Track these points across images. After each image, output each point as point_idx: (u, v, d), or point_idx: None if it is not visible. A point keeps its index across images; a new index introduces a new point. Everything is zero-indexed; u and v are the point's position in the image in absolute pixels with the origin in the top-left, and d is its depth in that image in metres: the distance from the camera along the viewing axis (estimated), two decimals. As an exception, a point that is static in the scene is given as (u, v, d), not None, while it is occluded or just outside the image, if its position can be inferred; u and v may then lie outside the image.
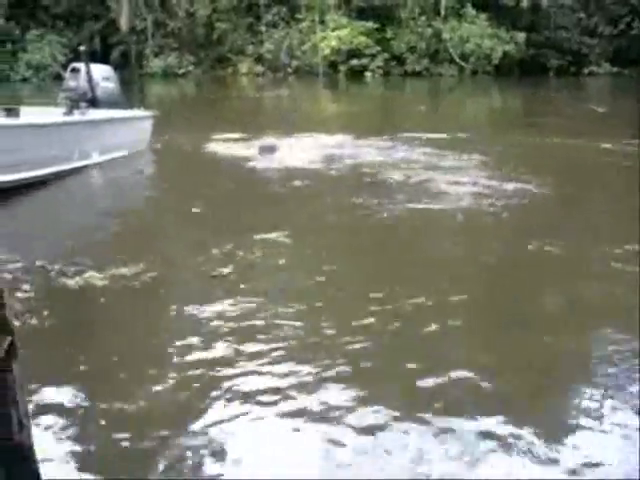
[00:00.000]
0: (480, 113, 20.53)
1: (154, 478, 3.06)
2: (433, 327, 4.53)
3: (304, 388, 3.74)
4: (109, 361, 4.11)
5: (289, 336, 4.40)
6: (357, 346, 4.24)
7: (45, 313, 4.74)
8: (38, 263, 5.76)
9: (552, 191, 8.64)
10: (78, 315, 4.91)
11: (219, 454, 3.17)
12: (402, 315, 4.69)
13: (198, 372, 3.94)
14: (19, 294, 4.98)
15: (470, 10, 32.31)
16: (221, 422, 3.43)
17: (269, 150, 11.19)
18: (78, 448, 3.23)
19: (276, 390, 3.73)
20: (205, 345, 4.30)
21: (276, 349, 4.20)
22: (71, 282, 5.30)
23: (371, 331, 4.47)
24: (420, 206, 8.02)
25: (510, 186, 8.78)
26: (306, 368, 3.96)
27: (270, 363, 4.04)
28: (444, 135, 13.41)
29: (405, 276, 5.69)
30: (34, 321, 4.58)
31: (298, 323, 4.61)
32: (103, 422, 3.44)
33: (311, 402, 3.60)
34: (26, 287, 5.18)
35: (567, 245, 6.36)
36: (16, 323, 4.31)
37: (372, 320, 4.63)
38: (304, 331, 4.49)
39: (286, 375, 3.90)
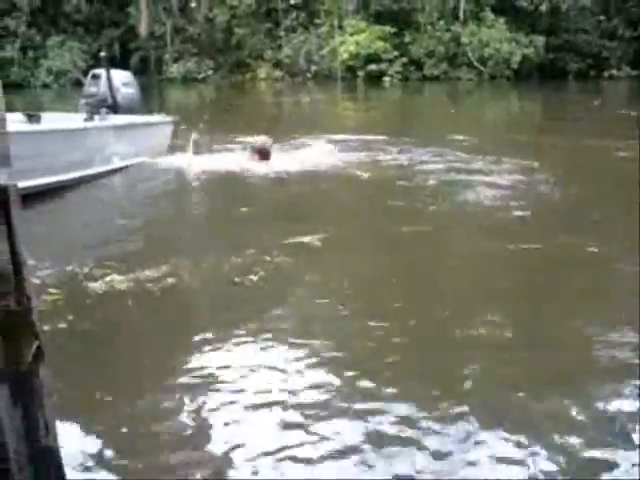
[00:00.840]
0: (502, 116, 20.43)
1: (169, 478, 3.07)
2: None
3: (329, 403, 3.67)
4: (128, 366, 4.13)
5: (311, 345, 4.35)
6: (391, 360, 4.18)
7: (70, 317, 4.77)
8: (65, 267, 5.79)
9: (587, 192, 8.60)
10: (102, 319, 4.91)
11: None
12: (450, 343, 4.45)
13: (215, 377, 3.94)
14: (47, 297, 5.02)
15: (489, 14, 32.25)
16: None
17: (262, 153, 11.10)
18: (100, 449, 3.25)
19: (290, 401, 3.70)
20: (220, 350, 4.29)
21: (293, 359, 4.16)
22: (96, 286, 5.32)
23: (395, 341, 4.41)
24: (454, 209, 8.01)
25: (543, 187, 8.76)
26: (331, 380, 3.90)
27: (288, 372, 4.01)
28: (470, 138, 13.36)
29: (448, 290, 5.55)
30: (61, 325, 4.60)
31: (324, 333, 4.55)
32: (125, 430, 3.45)
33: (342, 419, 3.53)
34: (53, 291, 5.21)
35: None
36: (44, 327, 4.38)
37: (398, 331, 4.60)
38: (328, 340, 4.43)
39: (308, 387, 3.87)
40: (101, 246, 6.77)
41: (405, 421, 3.40)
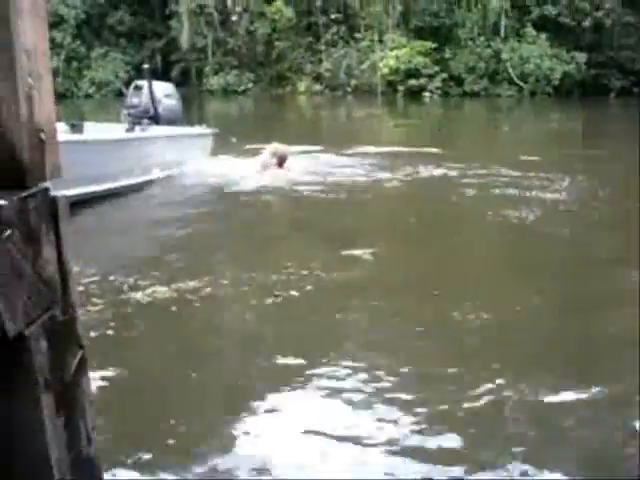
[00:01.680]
0: (547, 133, 20.16)
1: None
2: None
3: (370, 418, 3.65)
4: (170, 376, 4.15)
5: (349, 361, 4.32)
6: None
7: (113, 326, 4.81)
8: (108, 277, 5.85)
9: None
10: (143, 330, 4.94)
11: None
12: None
13: (254, 387, 3.95)
14: (90, 308, 5.07)
15: (530, 30, 32.05)
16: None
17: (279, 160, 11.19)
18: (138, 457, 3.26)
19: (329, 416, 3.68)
20: (258, 362, 4.29)
21: (326, 376, 4.13)
22: (139, 296, 5.36)
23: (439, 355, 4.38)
24: (500, 223, 7.94)
25: (593, 203, 8.65)
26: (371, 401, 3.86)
27: (325, 389, 3.99)
28: (516, 154, 13.26)
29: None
30: (103, 334, 4.64)
31: (363, 352, 4.51)
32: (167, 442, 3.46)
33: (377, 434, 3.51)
34: (97, 300, 5.27)
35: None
36: (88, 335, 4.43)
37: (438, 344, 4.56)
38: (367, 360, 4.37)
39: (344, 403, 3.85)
40: (142, 256, 6.83)
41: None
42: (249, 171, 11.07)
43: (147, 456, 3.29)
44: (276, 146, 11.39)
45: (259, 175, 10.93)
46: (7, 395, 1.43)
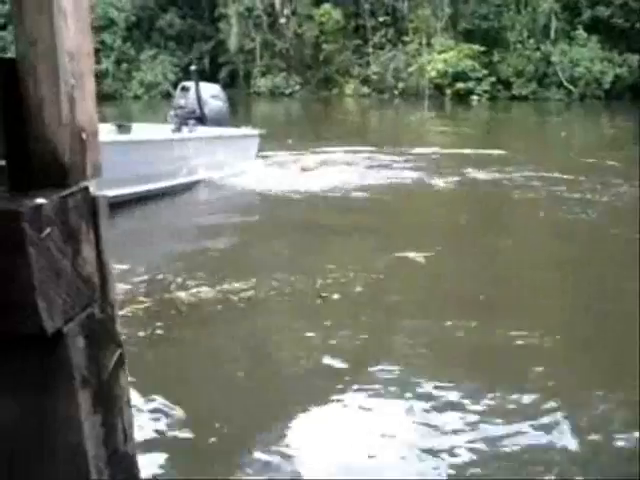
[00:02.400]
0: (600, 137, 19.82)
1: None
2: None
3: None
4: (208, 380, 4.16)
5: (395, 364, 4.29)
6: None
7: (159, 325, 4.85)
8: (154, 276, 5.90)
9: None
10: (187, 329, 4.96)
11: None
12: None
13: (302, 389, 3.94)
14: (136, 306, 5.12)
15: (581, 32, 31.60)
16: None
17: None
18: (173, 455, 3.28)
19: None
20: (304, 365, 4.28)
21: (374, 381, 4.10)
22: (184, 295, 5.39)
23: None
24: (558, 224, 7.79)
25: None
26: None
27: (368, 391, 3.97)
28: (573, 158, 13.07)
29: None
30: (149, 332, 4.68)
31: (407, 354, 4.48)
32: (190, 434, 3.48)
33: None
34: (143, 299, 5.32)
35: None
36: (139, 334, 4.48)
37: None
38: (416, 364, 4.34)
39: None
40: (187, 256, 6.87)
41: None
42: (293, 173, 11.11)
43: (186, 457, 3.31)
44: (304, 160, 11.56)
45: (302, 177, 10.98)
46: (45, 391, 1.45)
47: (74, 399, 1.46)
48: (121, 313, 4.99)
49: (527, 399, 3.83)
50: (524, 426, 3.54)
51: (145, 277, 5.87)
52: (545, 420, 3.57)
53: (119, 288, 5.48)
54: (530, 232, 8.06)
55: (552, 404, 3.76)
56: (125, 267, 5.97)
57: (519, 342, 4.60)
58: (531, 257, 7.05)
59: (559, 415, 3.62)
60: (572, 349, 4.63)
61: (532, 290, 5.91)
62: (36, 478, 1.52)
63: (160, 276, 5.92)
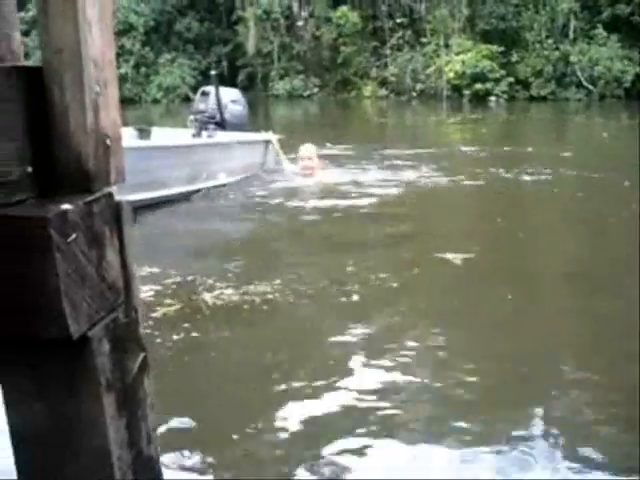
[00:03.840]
0: (623, 135, 19.65)
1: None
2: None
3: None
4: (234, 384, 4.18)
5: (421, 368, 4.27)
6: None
7: (185, 327, 4.87)
8: (180, 278, 5.93)
9: None
10: (213, 330, 4.96)
11: None
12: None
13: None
14: (163, 309, 5.15)
15: (601, 31, 31.40)
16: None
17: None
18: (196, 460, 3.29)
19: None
20: (335, 370, 4.27)
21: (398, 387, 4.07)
22: (209, 298, 5.41)
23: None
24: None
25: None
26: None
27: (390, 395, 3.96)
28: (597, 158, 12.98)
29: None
30: (175, 336, 4.70)
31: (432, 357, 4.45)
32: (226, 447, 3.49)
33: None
34: (169, 301, 5.35)
35: None
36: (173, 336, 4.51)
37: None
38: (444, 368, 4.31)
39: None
40: (210, 259, 6.89)
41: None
42: (313, 176, 11.12)
43: (210, 458, 3.32)
44: (305, 148, 11.51)
45: (314, 179, 11.01)
46: (70, 395, 1.47)
47: (99, 403, 1.48)
48: (153, 315, 5.06)
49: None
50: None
51: (169, 280, 5.90)
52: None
53: (147, 290, 5.55)
54: (569, 232, 7.97)
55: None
56: (153, 270, 6.04)
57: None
58: (569, 257, 6.92)
59: None
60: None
61: (574, 295, 5.79)
62: (61, 480, 1.54)
63: (183, 279, 5.95)
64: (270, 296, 5.49)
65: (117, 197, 1.58)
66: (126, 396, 1.57)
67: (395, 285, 5.82)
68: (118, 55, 32.14)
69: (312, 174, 11.25)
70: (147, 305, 5.22)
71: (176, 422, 3.54)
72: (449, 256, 6.53)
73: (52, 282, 1.36)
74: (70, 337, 1.39)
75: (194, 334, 4.78)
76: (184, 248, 7.50)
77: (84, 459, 1.51)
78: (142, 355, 1.63)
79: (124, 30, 34.03)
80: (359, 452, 3.33)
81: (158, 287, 5.69)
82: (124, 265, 1.58)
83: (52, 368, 1.47)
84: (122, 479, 1.56)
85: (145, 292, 5.49)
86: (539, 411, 3.68)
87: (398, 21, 35.03)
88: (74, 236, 1.40)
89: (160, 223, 8.34)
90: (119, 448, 1.54)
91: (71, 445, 1.50)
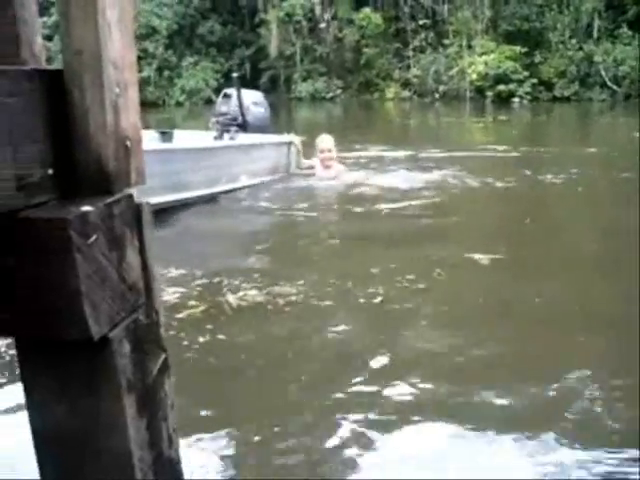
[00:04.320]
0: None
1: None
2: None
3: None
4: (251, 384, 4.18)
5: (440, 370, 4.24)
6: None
7: (210, 327, 4.89)
8: (204, 280, 5.95)
9: None
10: (237, 331, 4.96)
11: None
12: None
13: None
14: (188, 311, 5.17)
15: (626, 30, 31.16)
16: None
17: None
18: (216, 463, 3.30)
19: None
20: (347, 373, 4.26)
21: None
22: (234, 300, 5.42)
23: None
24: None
25: None
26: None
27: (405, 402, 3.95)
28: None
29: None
30: (200, 337, 4.72)
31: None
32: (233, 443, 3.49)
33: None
34: (194, 303, 5.37)
35: None
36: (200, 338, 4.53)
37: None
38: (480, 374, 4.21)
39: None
40: (234, 260, 6.88)
41: None
42: (336, 178, 11.13)
43: (229, 450, 3.33)
44: (321, 139, 11.51)
45: (333, 173, 11.04)
46: (91, 396, 1.48)
47: (120, 403, 1.49)
48: (178, 316, 5.08)
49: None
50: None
51: (194, 282, 5.92)
52: None
53: (173, 292, 5.58)
54: (598, 233, 7.89)
55: None
56: (182, 271, 6.09)
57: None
58: (601, 259, 6.82)
59: None
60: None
61: (603, 300, 5.71)
62: (83, 481, 1.55)
63: (207, 280, 5.96)
64: (294, 297, 5.49)
65: (138, 199, 1.59)
66: (147, 397, 1.57)
67: (421, 286, 5.78)
68: (141, 58, 32.48)
69: (330, 166, 11.26)
70: (173, 307, 5.26)
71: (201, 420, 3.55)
72: (477, 256, 6.50)
73: (73, 283, 1.37)
74: (91, 338, 1.40)
75: (219, 336, 4.79)
76: (209, 249, 7.51)
77: (105, 459, 1.52)
78: (163, 356, 1.64)
79: (147, 34, 34.25)
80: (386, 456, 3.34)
81: (184, 289, 5.71)
82: (145, 266, 1.59)
83: (73, 369, 1.48)
84: (143, 479, 1.57)
85: (171, 294, 5.53)
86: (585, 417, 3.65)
87: (420, 23, 34.98)
88: (94, 237, 1.41)
89: (184, 224, 8.37)
90: (140, 449, 1.55)
91: (92, 445, 1.51)
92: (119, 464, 1.52)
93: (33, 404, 1.52)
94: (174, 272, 6.12)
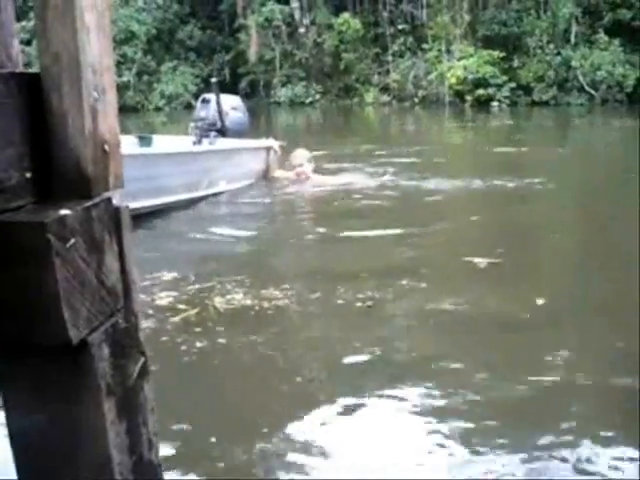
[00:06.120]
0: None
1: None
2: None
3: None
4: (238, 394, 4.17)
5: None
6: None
7: (198, 330, 4.88)
8: (188, 285, 5.94)
9: None
10: (222, 335, 4.94)
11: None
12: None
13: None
14: (178, 316, 5.16)
15: (602, 36, 31.44)
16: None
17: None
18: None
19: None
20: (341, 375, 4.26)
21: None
22: (222, 303, 5.41)
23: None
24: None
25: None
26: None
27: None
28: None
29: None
30: (189, 341, 4.71)
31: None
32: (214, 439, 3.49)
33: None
34: (182, 307, 5.36)
35: None
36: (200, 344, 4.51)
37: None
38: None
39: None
40: (216, 264, 6.88)
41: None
42: (316, 182, 11.14)
43: (220, 464, 3.33)
44: (296, 154, 11.51)
45: (310, 183, 11.06)
46: (70, 400, 1.47)
47: (99, 407, 1.49)
48: (173, 320, 5.08)
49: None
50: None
51: (177, 285, 5.92)
52: None
53: (164, 296, 5.57)
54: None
55: None
56: (178, 274, 6.09)
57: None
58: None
59: None
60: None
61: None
62: (62, 486, 1.54)
63: (191, 285, 5.95)
64: (280, 302, 5.48)
65: (117, 202, 1.58)
66: (126, 401, 1.57)
67: (401, 289, 5.80)
68: (120, 63, 32.35)
69: (307, 179, 11.27)
70: (162, 310, 5.26)
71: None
72: (455, 257, 6.55)
73: (51, 287, 1.36)
74: (70, 342, 1.40)
75: (207, 339, 4.77)
76: (192, 254, 7.51)
77: (84, 464, 1.51)
78: (142, 360, 1.64)
79: (126, 39, 34.11)
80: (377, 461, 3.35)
81: (172, 293, 5.70)
82: (124, 270, 1.59)
83: (52, 373, 1.47)
84: (123, 484, 1.57)
85: (162, 298, 5.53)
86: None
87: (400, 27, 35.09)
88: (73, 241, 1.40)
89: (168, 229, 8.37)
90: (119, 453, 1.55)
91: (71, 450, 1.50)
92: (99, 468, 1.51)
93: (11, 408, 1.51)
94: (177, 274, 6.16)
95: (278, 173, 11.64)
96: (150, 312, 5.15)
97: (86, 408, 1.48)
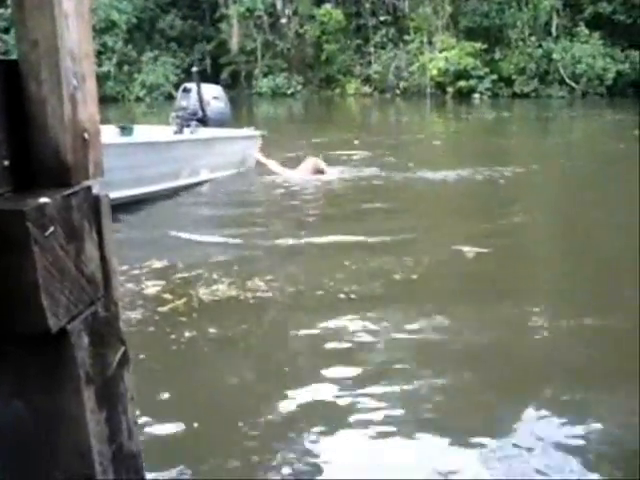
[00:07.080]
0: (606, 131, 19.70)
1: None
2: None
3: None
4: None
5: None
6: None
7: (184, 319, 4.87)
8: (173, 275, 5.92)
9: None
10: (206, 327, 4.93)
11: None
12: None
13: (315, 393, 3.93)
14: (165, 306, 5.15)
15: (583, 29, 31.62)
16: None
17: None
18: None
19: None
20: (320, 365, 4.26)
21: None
22: (201, 293, 5.40)
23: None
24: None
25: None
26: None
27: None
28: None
29: None
30: (172, 329, 4.70)
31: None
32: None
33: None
34: (169, 297, 5.34)
35: None
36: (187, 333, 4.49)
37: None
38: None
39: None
40: (199, 255, 6.85)
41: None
42: (300, 173, 11.12)
43: (207, 461, 3.32)
44: (314, 162, 11.43)
45: (312, 177, 11.03)
46: (50, 390, 1.46)
47: (79, 397, 1.48)
48: (162, 310, 5.06)
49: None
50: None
51: (161, 276, 5.90)
52: None
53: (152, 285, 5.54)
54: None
55: None
56: (169, 264, 6.04)
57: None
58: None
59: None
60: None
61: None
62: (41, 476, 1.53)
63: (174, 275, 5.93)
64: (269, 293, 5.47)
65: (97, 191, 1.57)
66: (106, 390, 1.56)
67: (393, 280, 5.81)
68: (100, 53, 32.11)
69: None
70: (151, 300, 5.23)
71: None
72: (439, 249, 6.59)
73: (30, 276, 1.35)
74: (49, 331, 1.39)
75: (193, 330, 4.77)
76: (169, 245, 7.47)
77: (64, 453, 1.51)
78: (122, 349, 1.63)
79: (106, 28, 33.85)
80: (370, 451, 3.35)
81: (159, 282, 5.69)
82: (103, 259, 1.57)
83: (31, 362, 1.46)
84: (102, 474, 1.56)
85: (150, 287, 5.50)
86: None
87: (381, 19, 35.12)
88: (52, 229, 1.39)
89: (152, 219, 8.33)
90: (99, 442, 1.54)
91: (50, 439, 1.49)
92: (78, 458, 1.51)
93: (-10, 398, 1.50)
94: (161, 264, 6.14)
95: (262, 160, 11.62)
96: (140, 302, 5.15)
97: (66, 397, 1.47)
